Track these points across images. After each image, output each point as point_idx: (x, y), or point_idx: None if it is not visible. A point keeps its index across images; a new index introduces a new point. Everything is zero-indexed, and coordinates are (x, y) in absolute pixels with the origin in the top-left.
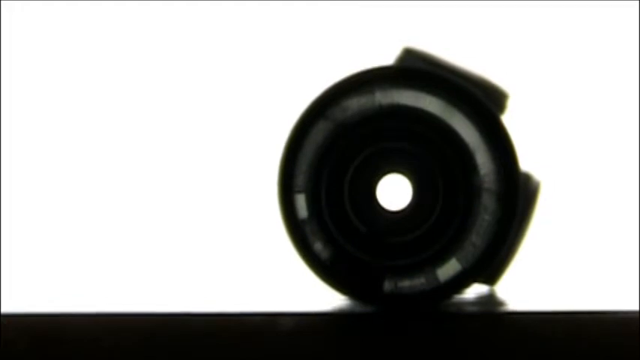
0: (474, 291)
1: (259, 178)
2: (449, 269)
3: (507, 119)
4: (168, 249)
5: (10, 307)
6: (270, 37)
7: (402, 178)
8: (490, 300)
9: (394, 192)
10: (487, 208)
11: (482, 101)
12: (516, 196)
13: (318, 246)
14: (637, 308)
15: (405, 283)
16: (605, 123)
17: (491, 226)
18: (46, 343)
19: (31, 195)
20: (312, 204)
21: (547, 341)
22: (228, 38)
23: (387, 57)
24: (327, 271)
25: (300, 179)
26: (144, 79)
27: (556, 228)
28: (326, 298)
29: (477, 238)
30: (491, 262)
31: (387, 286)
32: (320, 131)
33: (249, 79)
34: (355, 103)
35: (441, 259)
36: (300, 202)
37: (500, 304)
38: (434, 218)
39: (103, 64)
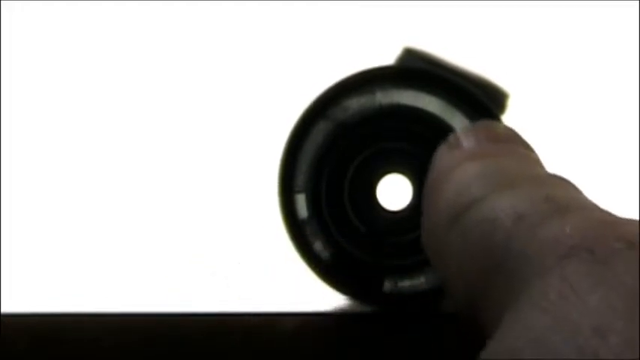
0: None
1: (259, 178)
2: None
3: (507, 119)
4: (169, 249)
5: (10, 307)
6: (270, 37)
7: (402, 178)
8: None
9: (394, 192)
10: None
11: (483, 101)
12: None
13: (318, 246)
14: None
15: (405, 283)
16: (606, 123)
17: None
18: (46, 343)
19: (30, 195)
20: (312, 204)
21: None
22: (228, 38)
23: (387, 57)
24: (327, 271)
25: (300, 179)
26: (144, 79)
27: None
28: (326, 298)
29: None
30: None
31: (387, 286)
32: (320, 131)
33: (249, 79)
34: (355, 103)
35: None
36: (300, 202)
37: None
38: None
39: (104, 63)
